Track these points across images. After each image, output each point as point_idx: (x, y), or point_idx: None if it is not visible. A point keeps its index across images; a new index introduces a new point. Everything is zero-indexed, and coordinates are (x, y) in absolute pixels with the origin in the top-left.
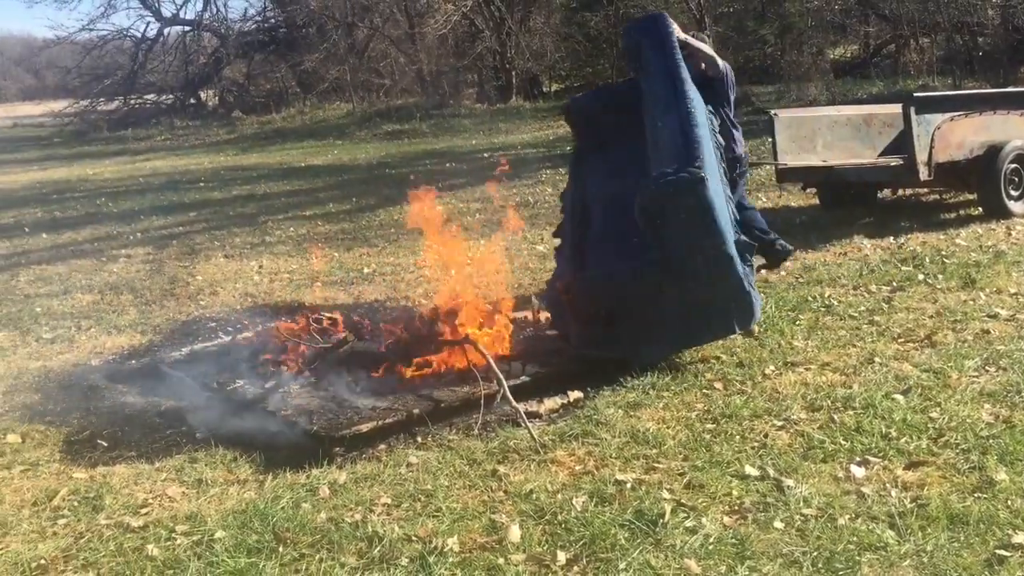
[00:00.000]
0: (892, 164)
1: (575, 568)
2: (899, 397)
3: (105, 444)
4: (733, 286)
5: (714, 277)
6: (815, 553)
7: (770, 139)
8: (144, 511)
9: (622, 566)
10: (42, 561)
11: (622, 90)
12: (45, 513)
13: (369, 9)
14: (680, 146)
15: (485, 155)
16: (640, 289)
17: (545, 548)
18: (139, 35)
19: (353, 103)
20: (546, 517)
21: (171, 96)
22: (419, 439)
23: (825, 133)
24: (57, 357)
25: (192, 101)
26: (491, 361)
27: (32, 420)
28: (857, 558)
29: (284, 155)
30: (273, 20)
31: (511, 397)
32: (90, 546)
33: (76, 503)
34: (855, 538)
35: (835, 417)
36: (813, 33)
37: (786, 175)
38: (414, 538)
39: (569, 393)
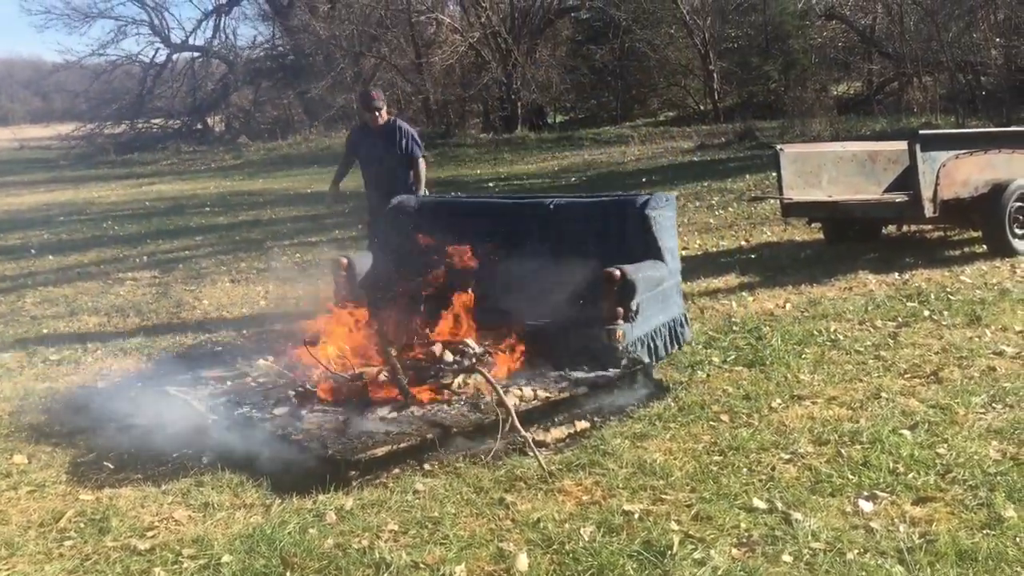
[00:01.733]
0: (897, 200)
1: None
2: (906, 432)
3: (111, 466)
4: None
5: None
6: None
7: (775, 173)
8: (151, 534)
9: None
10: None
11: None
12: (52, 535)
13: (377, 39)
14: None
15: (490, 184)
16: None
17: None
18: (148, 60)
19: None
20: (554, 546)
21: (178, 121)
22: (426, 466)
23: (830, 168)
24: (63, 379)
25: (199, 126)
26: (499, 391)
27: (39, 441)
28: None
29: (290, 181)
30: (281, 48)
31: (520, 427)
32: (97, 568)
33: (83, 525)
34: (864, 573)
35: (842, 451)
36: (817, 70)
37: (791, 209)
38: (422, 565)
39: (576, 423)
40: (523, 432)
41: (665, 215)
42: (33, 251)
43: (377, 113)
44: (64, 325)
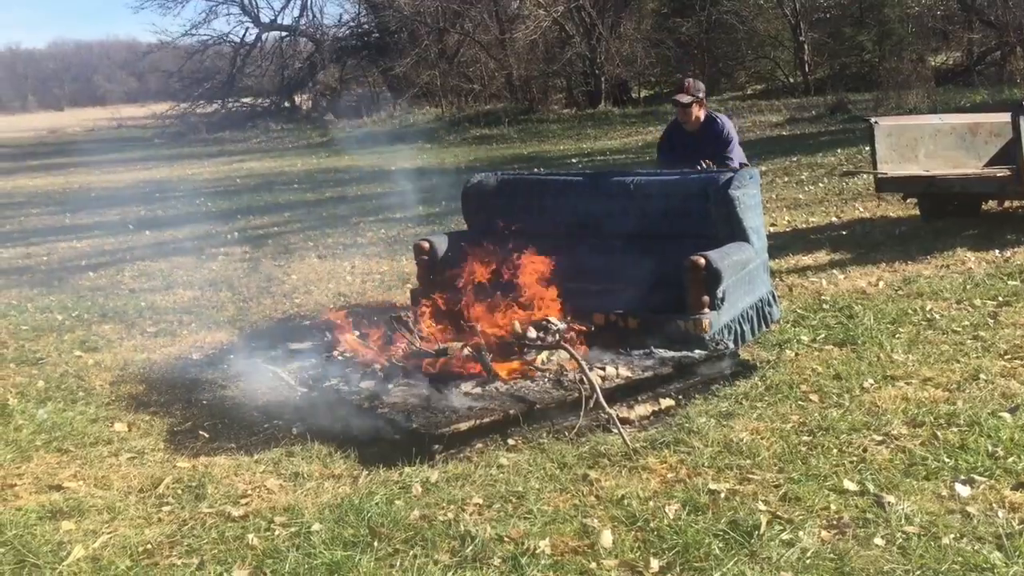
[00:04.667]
0: (999, 175)
1: None
2: (1006, 415)
3: (206, 435)
4: None
5: None
6: (918, 572)
7: (868, 148)
8: (244, 501)
9: None
10: (148, 546)
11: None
12: (151, 500)
13: (461, 15)
14: None
15: (573, 160)
16: None
17: (638, 555)
18: (238, 40)
19: (443, 108)
20: (638, 524)
21: (267, 100)
22: (510, 441)
23: (927, 142)
24: (160, 350)
25: (287, 104)
26: (584, 367)
27: (138, 410)
28: None
29: (375, 158)
30: (366, 25)
31: (604, 403)
32: (193, 533)
33: (180, 491)
34: (960, 558)
35: (938, 434)
36: (914, 39)
37: (885, 185)
38: (506, 539)
39: (661, 400)
40: (608, 409)
41: (749, 193)
42: (131, 227)
43: (684, 108)
44: (160, 298)
